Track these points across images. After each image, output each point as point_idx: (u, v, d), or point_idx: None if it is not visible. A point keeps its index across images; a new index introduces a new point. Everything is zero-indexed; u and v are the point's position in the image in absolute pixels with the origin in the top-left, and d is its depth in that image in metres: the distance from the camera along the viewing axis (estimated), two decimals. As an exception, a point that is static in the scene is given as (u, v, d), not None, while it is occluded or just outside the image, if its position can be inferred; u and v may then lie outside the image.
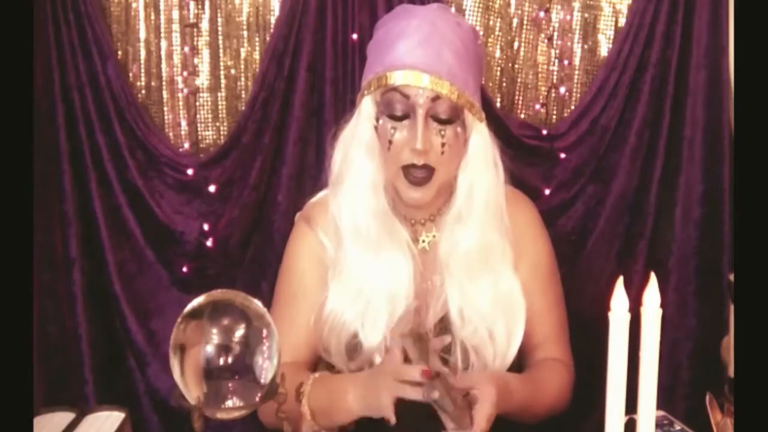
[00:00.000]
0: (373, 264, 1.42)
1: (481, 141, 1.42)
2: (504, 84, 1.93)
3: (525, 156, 1.87)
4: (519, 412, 1.36)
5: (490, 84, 1.91)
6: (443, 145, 1.37)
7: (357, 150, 1.42)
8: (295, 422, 1.29)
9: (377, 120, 1.40)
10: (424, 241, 1.48)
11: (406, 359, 1.25)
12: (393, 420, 1.25)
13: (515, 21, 1.91)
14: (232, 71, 1.89)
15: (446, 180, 1.42)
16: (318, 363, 1.53)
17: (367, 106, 1.41)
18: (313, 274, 1.47)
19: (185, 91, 1.88)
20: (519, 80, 1.94)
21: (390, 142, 1.38)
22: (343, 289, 1.43)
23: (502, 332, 1.43)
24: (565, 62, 1.92)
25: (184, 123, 1.89)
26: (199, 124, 1.90)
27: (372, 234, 1.42)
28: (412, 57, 1.36)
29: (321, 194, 1.54)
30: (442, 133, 1.37)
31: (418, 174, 1.38)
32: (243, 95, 1.89)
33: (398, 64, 1.36)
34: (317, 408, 1.34)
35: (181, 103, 1.88)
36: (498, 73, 1.92)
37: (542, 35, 1.92)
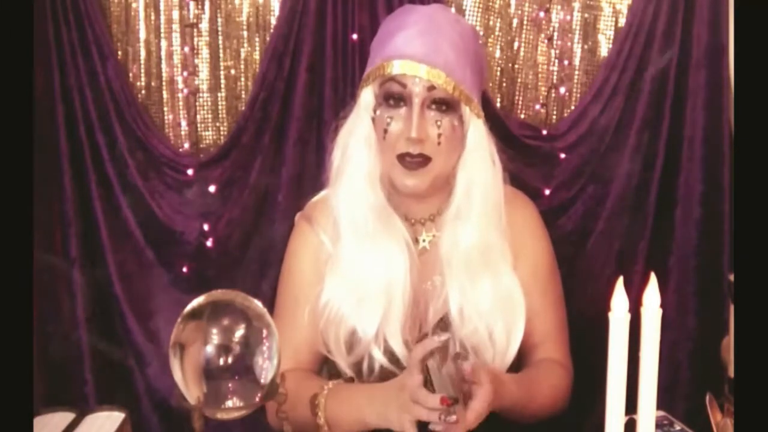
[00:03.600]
0: (369, 257, 1.42)
1: (478, 136, 1.42)
2: (504, 84, 1.93)
3: (525, 156, 1.87)
4: (512, 412, 1.36)
5: (490, 84, 1.90)
6: (439, 135, 1.38)
7: (355, 142, 1.43)
8: (296, 422, 1.29)
9: (375, 111, 1.41)
10: (424, 241, 1.48)
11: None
12: None
13: (515, 21, 1.91)
14: (232, 71, 1.89)
15: (443, 172, 1.42)
16: (322, 366, 1.53)
17: (365, 98, 1.43)
18: (314, 275, 1.47)
19: (185, 91, 1.88)
20: (519, 80, 1.94)
21: (386, 131, 1.39)
22: (339, 281, 1.44)
23: (501, 332, 1.43)
24: (565, 62, 1.92)
25: (184, 123, 1.89)
26: (199, 124, 1.89)
27: (369, 227, 1.42)
28: (409, 47, 1.37)
29: (321, 194, 1.54)
30: (438, 123, 1.38)
31: (413, 161, 1.38)
32: (243, 95, 1.89)
33: (396, 54, 1.38)
34: (333, 420, 1.34)
35: (181, 103, 1.88)
36: (498, 73, 1.92)
37: (542, 35, 1.92)
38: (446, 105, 1.38)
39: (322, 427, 1.33)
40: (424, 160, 1.38)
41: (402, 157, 1.38)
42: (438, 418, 1.21)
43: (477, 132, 1.42)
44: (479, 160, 1.43)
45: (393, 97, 1.38)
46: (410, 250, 1.44)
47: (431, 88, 1.37)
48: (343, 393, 1.36)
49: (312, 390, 1.35)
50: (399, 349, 1.40)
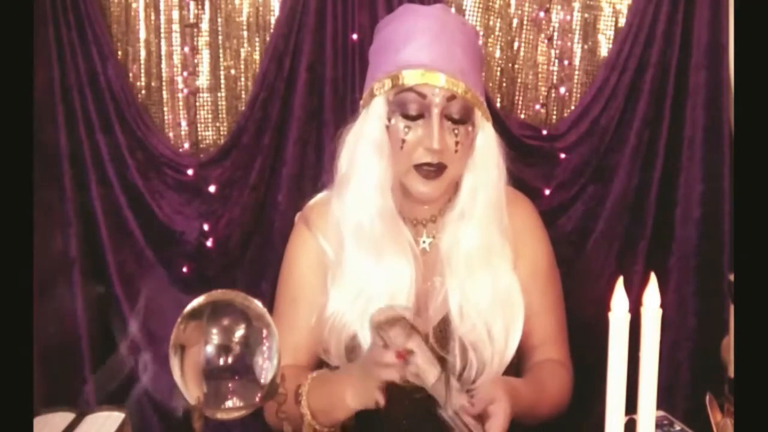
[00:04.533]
0: (374, 265, 1.42)
1: (487, 140, 1.43)
2: (504, 84, 1.93)
3: (525, 156, 1.88)
4: (522, 416, 1.36)
5: (490, 84, 1.91)
6: (457, 143, 1.38)
7: (365, 150, 1.41)
8: (296, 422, 1.29)
9: (389, 120, 1.40)
10: (424, 242, 1.48)
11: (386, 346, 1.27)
12: (382, 402, 1.25)
13: (515, 21, 1.91)
14: (232, 71, 1.89)
15: (455, 177, 1.42)
16: (320, 365, 1.53)
17: (377, 106, 1.41)
18: (313, 277, 1.47)
19: (185, 91, 1.88)
20: (519, 80, 1.94)
21: (403, 141, 1.38)
22: (343, 290, 1.43)
23: (500, 330, 1.43)
24: (565, 62, 1.92)
25: (184, 123, 1.89)
26: (199, 124, 1.90)
27: (375, 234, 1.41)
28: (425, 56, 1.36)
29: (320, 195, 1.53)
30: (456, 132, 1.38)
31: (431, 169, 1.38)
32: (243, 95, 1.89)
33: (412, 63, 1.36)
34: (317, 408, 1.34)
35: (181, 103, 1.88)
36: (498, 73, 1.92)
37: (542, 35, 1.92)
38: (463, 113, 1.37)
39: (306, 416, 1.33)
40: (441, 168, 1.38)
41: (420, 167, 1.38)
42: (398, 375, 1.22)
43: (486, 135, 1.42)
44: (486, 163, 1.42)
45: (411, 108, 1.37)
46: (416, 258, 1.43)
47: (451, 97, 1.36)
48: (324, 380, 1.36)
49: (298, 382, 1.35)
50: None
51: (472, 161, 1.42)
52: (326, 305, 1.44)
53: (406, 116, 1.38)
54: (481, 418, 1.26)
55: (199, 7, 1.85)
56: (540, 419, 1.44)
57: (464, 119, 1.38)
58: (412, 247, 1.44)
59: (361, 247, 1.42)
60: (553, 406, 1.46)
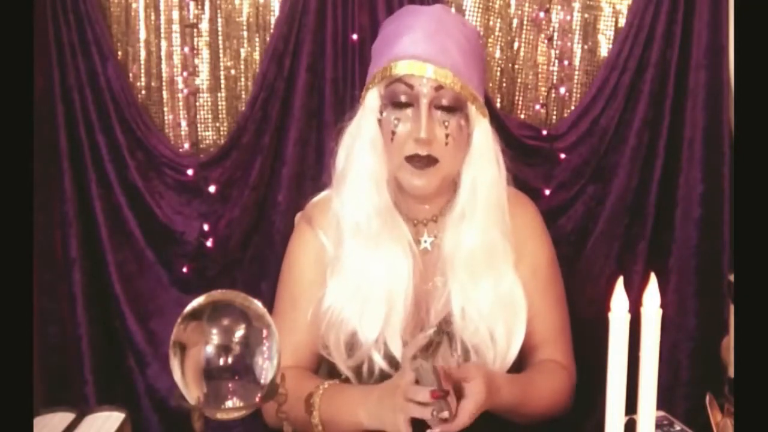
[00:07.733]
0: (372, 261, 1.42)
1: (483, 136, 1.43)
2: (504, 84, 1.93)
3: (525, 156, 1.88)
4: (508, 412, 1.36)
5: (490, 84, 1.90)
6: (447, 136, 1.38)
7: (361, 144, 1.42)
8: (296, 422, 1.29)
9: (381, 113, 1.41)
10: (425, 242, 1.48)
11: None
12: None
13: (515, 21, 1.91)
14: (232, 71, 1.89)
15: (450, 173, 1.42)
16: (320, 364, 1.53)
17: (371, 100, 1.42)
18: (314, 275, 1.47)
19: (185, 91, 1.87)
20: (519, 80, 1.94)
21: (393, 133, 1.38)
22: (341, 285, 1.43)
23: (502, 333, 1.43)
24: (565, 63, 1.92)
25: (184, 123, 1.88)
26: (199, 125, 1.89)
27: (372, 230, 1.42)
28: (416, 48, 1.37)
29: (322, 194, 1.54)
30: (446, 123, 1.38)
31: (422, 162, 1.38)
32: (243, 95, 1.89)
33: (402, 55, 1.38)
34: (327, 419, 1.34)
35: (181, 103, 1.88)
36: (498, 74, 1.92)
37: (542, 36, 1.92)
38: (453, 105, 1.37)
39: (316, 427, 1.33)
40: (432, 160, 1.38)
41: (410, 159, 1.38)
42: (431, 414, 1.21)
43: (482, 131, 1.43)
44: (484, 160, 1.43)
45: (400, 98, 1.38)
46: (414, 254, 1.44)
47: (439, 88, 1.36)
48: (337, 393, 1.36)
49: (308, 389, 1.35)
50: (398, 353, 1.40)
51: (469, 158, 1.43)
52: (323, 298, 1.44)
53: (396, 107, 1.38)
54: (458, 395, 1.26)
55: (199, 7, 1.85)
56: (533, 417, 1.44)
57: (454, 109, 1.38)
58: (411, 244, 1.44)
59: (359, 242, 1.43)
60: (547, 406, 1.45)
